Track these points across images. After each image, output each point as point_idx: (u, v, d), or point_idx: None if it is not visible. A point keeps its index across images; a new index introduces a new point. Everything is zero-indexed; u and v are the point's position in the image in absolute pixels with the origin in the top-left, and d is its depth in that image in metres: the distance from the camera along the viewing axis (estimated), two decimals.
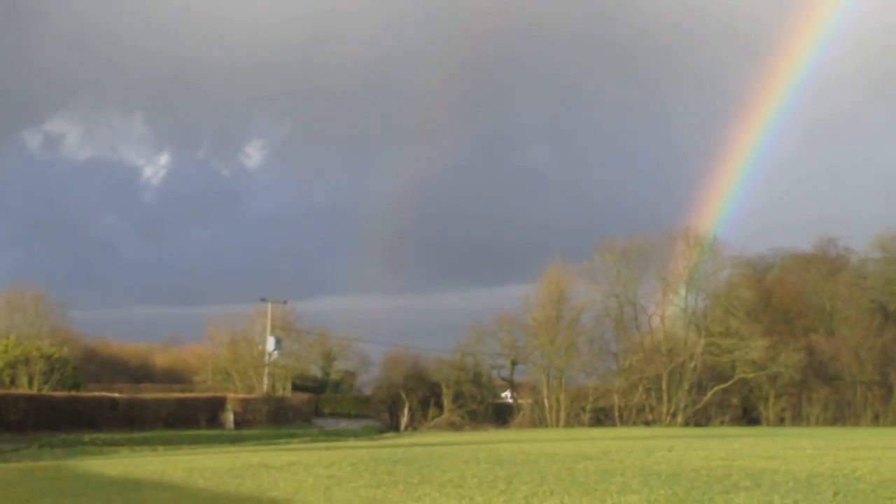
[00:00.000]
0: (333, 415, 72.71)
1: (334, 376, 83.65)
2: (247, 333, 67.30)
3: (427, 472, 17.52)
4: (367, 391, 78.04)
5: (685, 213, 77.96)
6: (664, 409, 65.64)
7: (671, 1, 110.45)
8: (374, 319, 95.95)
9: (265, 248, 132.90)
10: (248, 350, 66.02)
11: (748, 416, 67.88)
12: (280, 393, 65.05)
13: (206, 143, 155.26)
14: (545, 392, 67.19)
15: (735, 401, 67.16)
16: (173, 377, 76.08)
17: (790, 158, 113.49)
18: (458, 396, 67.18)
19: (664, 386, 65.85)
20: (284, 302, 66.19)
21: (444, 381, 67.53)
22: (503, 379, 72.80)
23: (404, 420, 65.80)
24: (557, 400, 66.46)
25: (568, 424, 65.08)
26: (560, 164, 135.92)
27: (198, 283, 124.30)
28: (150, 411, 46.77)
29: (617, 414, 66.13)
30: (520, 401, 70.88)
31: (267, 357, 63.15)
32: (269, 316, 63.45)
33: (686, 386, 65.75)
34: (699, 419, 65.24)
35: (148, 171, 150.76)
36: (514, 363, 70.89)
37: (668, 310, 69.32)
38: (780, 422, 66.86)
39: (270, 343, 62.60)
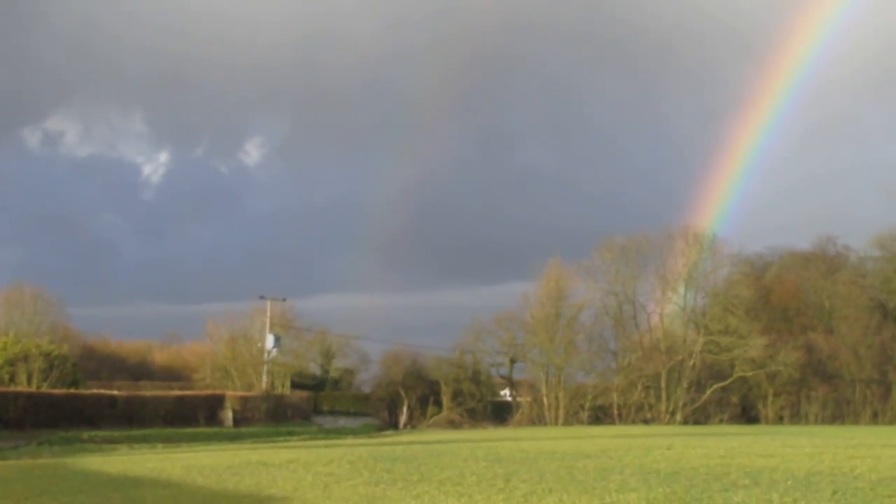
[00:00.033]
0: (332, 413, 72.64)
1: (333, 374, 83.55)
2: (246, 331, 67.23)
3: (426, 470, 17.52)
4: (366, 389, 78.02)
5: (684, 211, 77.88)
6: (663, 408, 65.69)
7: None
8: (373, 317, 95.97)
9: (264, 246, 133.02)
10: (247, 348, 65.95)
11: (747, 415, 67.93)
12: (279, 391, 64.99)
13: (205, 140, 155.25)
14: (544, 390, 67.23)
15: (734, 399, 67.22)
16: (172, 375, 76.01)
17: (789, 157, 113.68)
18: (456, 394, 67.19)
19: (663, 384, 65.91)
20: (283, 299, 66.12)
21: (443, 379, 67.53)
22: (502, 377, 72.82)
23: (403, 418, 65.77)
24: (556, 398, 66.53)
25: (567, 422, 65.13)
26: (559, 162, 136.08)
27: (197, 280, 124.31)
28: (149, 409, 46.73)
29: (616, 412, 66.18)
30: (519, 399, 70.87)
31: (266, 355, 63.09)
32: (269, 313, 63.38)
33: (685, 384, 65.80)
34: (698, 417, 65.29)
35: (147, 169, 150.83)
36: (513, 361, 70.93)
37: (667, 308, 69.43)
38: (779, 420, 66.95)
39: (269, 341, 62.54)
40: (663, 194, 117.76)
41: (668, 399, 65.73)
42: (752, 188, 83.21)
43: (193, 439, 38.84)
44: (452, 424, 63.70)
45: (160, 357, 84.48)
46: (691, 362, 65.75)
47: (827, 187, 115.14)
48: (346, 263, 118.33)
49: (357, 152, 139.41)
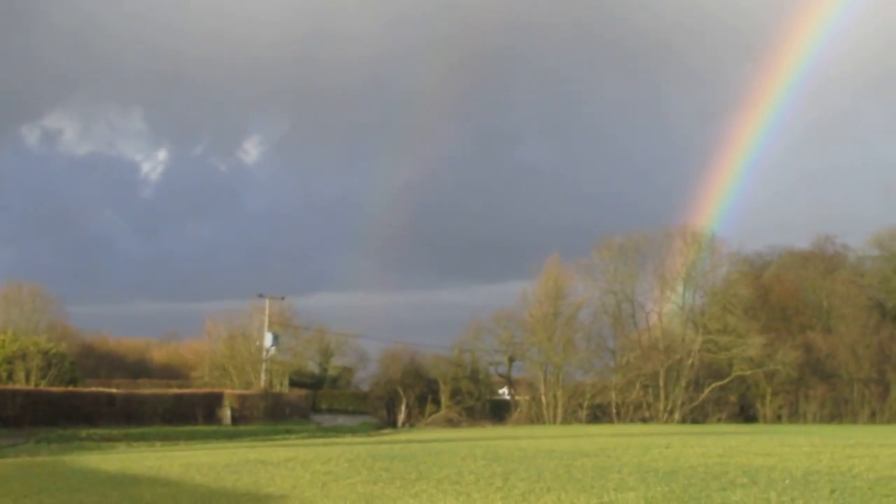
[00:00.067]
0: (331, 411, 72.55)
1: (332, 372, 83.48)
2: (244, 329, 67.21)
3: (424, 469, 17.51)
4: (365, 387, 77.98)
5: (683, 210, 77.87)
6: (661, 406, 65.72)
7: None
8: (371, 316, 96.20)
9: (263, 244, 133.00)
10: (245, 346, 65.95)
11: (745, 414, 67.97)
12: (277, 389, 65.01)
13: (204, 139, 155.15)
14: (542, 389, 67.26)
15: (732, 398, 67.26)
16: (170, 373, 75.99)
17: (788, 156, 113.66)
18: (455, 393, 67.21)
19: (661, 383, 65.95)
20: (282, 298, 66.08)
21: (441, 377, 67.55)
22: (500, 375, 72.84)
23: (402, 416, 65.78)
24: (555, 396, 66.56)
25: (565, 421, 65.17)
26: (559, 161, 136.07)
27: (195, 278, 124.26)
28: (148, 407, 46.76)
29: (614, 411, 66.22)
30: (517, 397, 70.90)
31: (264, 353, 63.09)
32: (267, 312, 63.36)
33: (683, 383, 65.83)
34: (696, 416, 65.33)
35: (146, 167, 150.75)
36: (511, 360, 70.95)
37: (666, 307, 69.47)
38: (777, 419, 66.98)
39: (268, 339, 62.54)
40: (662, 193, 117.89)
41: (666, 398, 65.76)
42: (751, 187, 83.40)
43: (192, 437, 38.85)
44: (451, 423, 63.74)
45: (158, 355, 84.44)
46: (690, 361, 65.78)
47: (826, 186, 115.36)
48: (344, 262, 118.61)
49: (356, 151, 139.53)
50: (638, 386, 66.38)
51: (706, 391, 65.70)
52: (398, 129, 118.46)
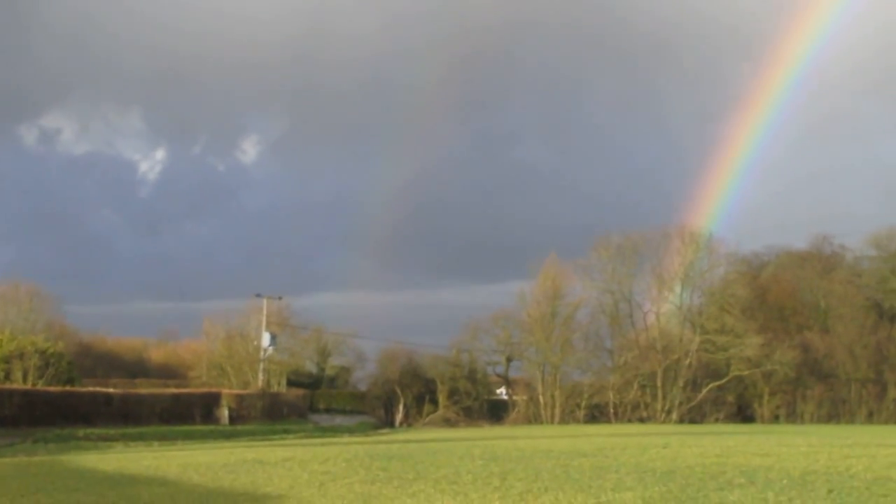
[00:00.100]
0: (328, 411, 72.58)
1: (329, 372, 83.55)
2: (242, 329, 67.22)
3: (422, 469, 17.50)
4: (363, 387, 78.06)
5: (681, 209, 77.93)
6: (659, 406, 65.75)
7: None
8: (369, 315, 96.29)
9: (261, 244, 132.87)
10: (243, 346, 65.95)
11: (743, 414, 68.02)
12: (275, 389, 65.03)
13: (202, 138, 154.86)
14: (540, 389, 67.29)
15: (730, 398, 67.30)
16: (168, 372, 76.04)
17: (786, 156, 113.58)
18: (453, 393, 67.22)
19: (659, 383, 65.99)
20: (280, 298, 66.11)
21: (439, 377, 67.56)
22: (498, 375, 72.87)
23: (399, 416, 65.79)
24: (552, 396, 66.59)
25: (563, 421, 65.19)
26: (557, 160, 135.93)
27: (193, 278, 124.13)
28: (145, 406, 46.74)
29: (612, 411, 66.24)
30: (515, 397, 70.95)
31: (262, 353, 63.09)
32: (265, 311, 63.37)
33: (681, 383, 65.87)
34: (694, 416, 65.37)
35: (144, 167, 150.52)
36: (509, 360, 70.97)
37: (664, 307, 69.51)
38: (775, 419, 67.03)
39: (266, 339, 62.56)
40: (660, 193, 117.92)
41: (664, 398, 65.80)
42: (749, 187, 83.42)
43: (189, 437, 38.81)
44: (448, 423, 63.73)
45: (156, 355, 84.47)
46: (687, 361, 65.81)
47: (824, 186, 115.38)
48: (342, 261, 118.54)
49: (355, 150, 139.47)
50: (635, 386, 66.41)
51: (704, 391, 65.74)
52: (396, 128, 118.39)
